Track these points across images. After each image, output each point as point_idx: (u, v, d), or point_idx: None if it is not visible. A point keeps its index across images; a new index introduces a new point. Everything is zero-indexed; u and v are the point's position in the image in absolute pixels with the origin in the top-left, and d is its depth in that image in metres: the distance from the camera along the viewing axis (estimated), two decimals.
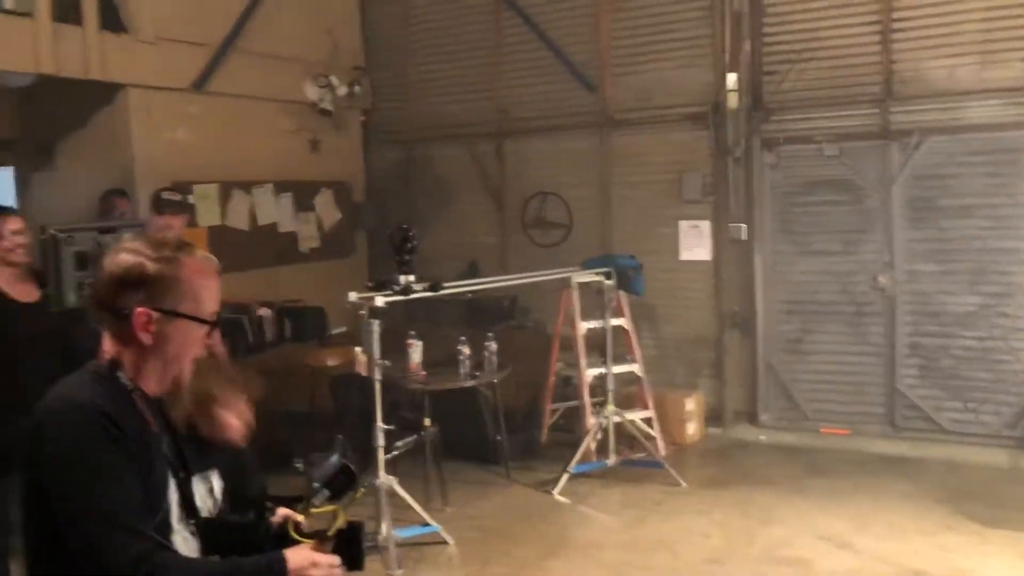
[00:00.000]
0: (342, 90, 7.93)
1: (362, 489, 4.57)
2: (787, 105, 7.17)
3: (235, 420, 2.80)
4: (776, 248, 7.29)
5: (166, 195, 5.50)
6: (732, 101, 7.20)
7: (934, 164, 6.71)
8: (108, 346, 1.89)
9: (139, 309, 1.83)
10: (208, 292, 1.91)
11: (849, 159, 6.98)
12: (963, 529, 5.17)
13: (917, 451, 6.56)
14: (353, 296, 4.99)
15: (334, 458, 2.17)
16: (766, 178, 7.29)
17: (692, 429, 7.12)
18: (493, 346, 6.08)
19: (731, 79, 7.18)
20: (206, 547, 1.99)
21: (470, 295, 6.91)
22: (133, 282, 1.84)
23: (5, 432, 3.55)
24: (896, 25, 6.74)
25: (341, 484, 2.12)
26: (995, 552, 4.82)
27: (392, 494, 5.00)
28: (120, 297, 1.84)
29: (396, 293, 4.99)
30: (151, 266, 1.84)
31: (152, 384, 1.90)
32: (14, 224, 3.98)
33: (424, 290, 5.13)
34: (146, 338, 1.84)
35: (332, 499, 2.10)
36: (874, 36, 6.83)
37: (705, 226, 7.46)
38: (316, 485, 2.12)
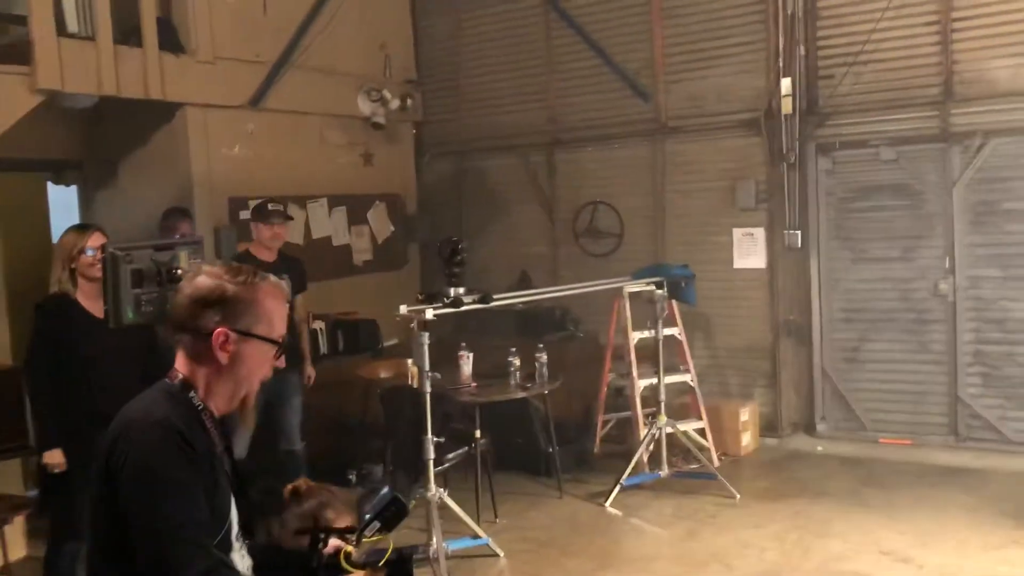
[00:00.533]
0: (394, 103, 8.02)
1: (413, 502, 4.63)
2: (842, 109, 7.04)
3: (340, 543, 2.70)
4: (832, 255, 7.15)
5: (271, 206, 5.76)
6: (786, 106, 7.09)
7: (997, 167, 6.52)
8: (180, 365, 1.99)
9: (219, 329, 1.93)
10: (279, 315, 2.02)
11: (907, 163, 6.82)
12: None
13: (981, 462, 6.36)
14: (403, 309, 5.04)
15: (385, 490, 2.19)
16: (821, 184, 7.16)
17: (747, 440, 7.01)
18: (544, 357, 6.07)
19: (785, 84, 7.07)
20: (259, 569, 2.05)
21: (521, 306, 6.92)
22: (213, 303, 1.94)
23: (84, 445, 3.67)
24: (956, 24, 6.58)
25: (391, 515, 2.14)
26: None
27: (442, 506, 5.02)
28: (200, 317, 1.94)
29: (446, 305, 5.02)
30: (231, 288, 1.95)
31: (221, 403, 2.00)
32: (96, 240, 4.10)
33: (474, 302, 5.15)
34: (223, 357, 1.94)
35: (382, 530, 2.13)
36: (933, 36, 6.67)
37: (759, 234, 7.36)
38: (368, 516, 2.15)
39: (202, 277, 1.98)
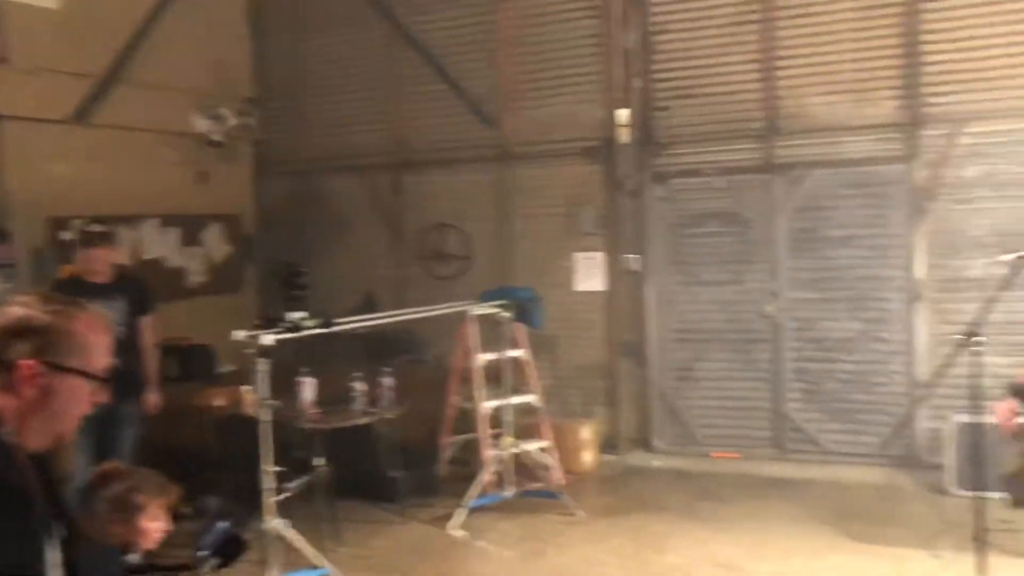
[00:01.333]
0: (232, 121, 7.79)
1: (252, 535, 4.45)
2: (677, 140, 7.39)
3: (153, 527, 2.60)
4: (667, 278, 7.47)
5: (93, 227, 5.44)
6: (623, 136, 7.37)
7: (815, 196, 7.00)
8: None
9: (25, 361, 1.78)
10: (98, 347, 1.87)
11: (736, 192, 7.22)
12: (847, 548, 5.34)
13: (803, 473, 6.78)
14: (240, 334, 4.87)
15: (222, 524, 2.09)
16: (657, 211, 7.47)
17: (587, 458, 7.19)
18: (388, 381, 6.01)
19: (622, 115, 7.36)
20: None
21: (366, 330, 6.82)
22: (21, 332, 1.80)
23: None
24: (778, 63, 7.04)
25: (229, 551, 2.04)
26: (875, 569, 5.00)
27: (282, 538, 4.86)
28: (8, 348, 1.79)
29: (286, 330, 4.89)
30: (42, 318, 1.81)
31: (36, 440, 1.84)
32: None
33: (315, 327, 5.05)
34: (30, 391, 1.79)
35: (222, 566, 2.02)
36: (757, 74, 7.11)
37: (600, 258, 7.59)
38: (205, 553, 2.04)
39: (13, 307, 1.83)
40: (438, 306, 6.42)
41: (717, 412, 7.33)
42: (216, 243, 8.04)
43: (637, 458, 7.41)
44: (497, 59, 7.87)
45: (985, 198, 6.50)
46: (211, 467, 5.97)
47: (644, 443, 7.52)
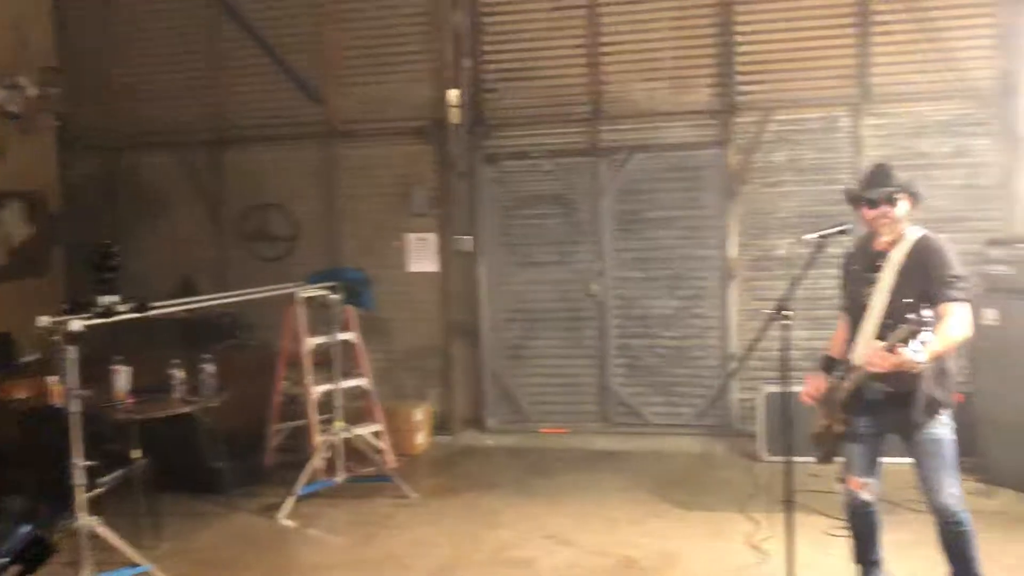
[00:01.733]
0: (32, 91, 7.18)
1: (60, 535, 4.16)
2: (507, 122, 7.45)
3: None
4: (499, 259, 7.54)
5: None
6: (454, 116, 7.35)
7: (638, 180, 7.25)
8: None
9: None
10: None
11: (563, 174, 7.38)
12: (669, 515, 5.61)
13: (627, 445, 7.06)
14: (44, 320, 4.51)
15: (25, 528, 1.91)
16: (489, 192, 7.52)
17: (421, 439, 7.18)
18: (209, 368, 5.74)
19: (452, 95, 7.33)
20: None
21: (185, 314, 6.49)
22: None
23: None
24: (602, 49, 7.22)
25: (34, 556, 1.86)
26: (694, 533, 5.28)
27: (96, 536, 4.57)
28: None
29: (96, 315, 4.57)
30: None
31: None
32: None
33: (129, 311, 4.75)
34: None
35: (25, 573, 1.85)
36: (582, 59, 7.27)
37: (432, 239, 7.57)
38: (5, 560, 1.86)
39: None
40: (263, 288, 6.20)
41: (547, 389, 7.50)
42: (16, 223, 7.41)
43: (470, 438, 7.48)
44: (324, 34, 7.66)
45: (790, 182, 6.95)
46: (14, 465, 5.53)
47: (477, 423, 7.59)
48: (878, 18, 6.69)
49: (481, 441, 7.41)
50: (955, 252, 3.79)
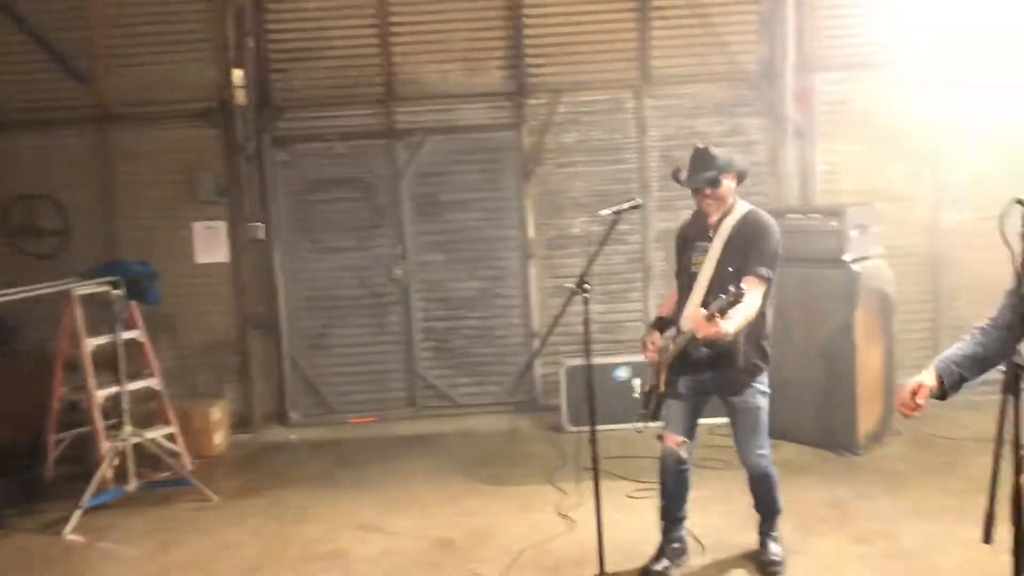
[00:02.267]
0: None
1: None
2: (297, 104, 7.21)
3: None
4: (294, 246, 7.30)
5: None
6: (239, 98, 7.02)
7: (435, 162, 7.24)
8: None
9: None
10: None
11: (359, 157, 7.24)
12: (480, 492, 5.66)
13: (437, 428, 7.06)
14: None
15: None
16: (280, 177, 7.25)
17: (219, 439, 6.84)
18: None
19: (237, 75, 7.00)
20: None
21: None
22: None
23: None
24: (393, 30, 7.13)
25: None
26: (506, 508, 5.36)
27: None
28: None
29: None
30: None
31: None
32: None
33: None
34: None
35: None
36: (374, 39, 7.14)
37: (221, 227, 7.21)
38: None
39: None
40: (32, 287, 5.66)
41: (352, 378, 7.36)
42: None
43: (273, 433, 7.21)
44: (90, 9, 7.07)
45: (581, 162, 7.18)
46: None
47: (280, 417, 7.34)
48: (656, 3, 7.02)
49: (284, 436, 7.17)
50: (777, 231, 4.06)
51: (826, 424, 5.93)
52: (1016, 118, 6.59)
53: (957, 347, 3.03)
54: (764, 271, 3.94)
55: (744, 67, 7.07)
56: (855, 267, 5.86)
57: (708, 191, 4.06)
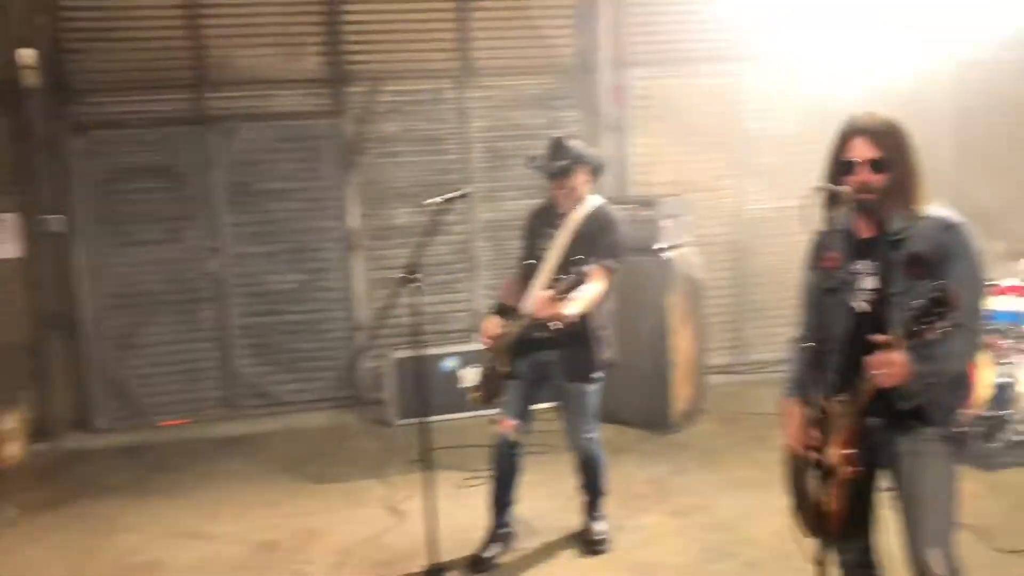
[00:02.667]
0: None
1: None
2: (97, 87, 6.72)
3: None
4: (98, 240, 6.80)
5: None
6: (30, 79, 6.45)
7: (251, 150, 6.95)
8: None
9: None
10: None
11: (169, 145, 6.84)
12: (305, 492, 5.49)
13: (257, 427, 6.79)
14: None
15: None
16: (80, 165, 6.73)
17: (15, 450, 6.27)
18: None
19: (27, 55, 6.43)
20: None
21: None
22: None
23: None
24: (203, 11, 6.77)
25: None
26: (333, 506, 5.23)
27: None
28: None
29: None
30: None
31: None
32: None
33: None
34: None
35: None
36: (181, 21, 6.76)
37: (11, 220, 6.61)
38: None
39: None
40: None
41: (164, 379, 6.94)
42: None
43: (77, 441, 6.69)
44: None
45: (405, 152, 7.11)
46: None
47: (84, 423, 6.82)
48: None
49: (90, 443, 6.66)
50: (625, 226, 4.22)
51: (645, 405, 6.18)
52: (817, 105, 7.05)
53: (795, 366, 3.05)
54: (610, 262, 4.07)
55: (562, 61, 7.24)
56: (668, 255, 6.13)
57: (560, 180, 4.12)
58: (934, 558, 2.70)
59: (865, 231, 2.80)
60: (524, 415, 4.31)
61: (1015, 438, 5.22)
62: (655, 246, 6.10)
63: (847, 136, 2.74)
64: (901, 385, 2.59)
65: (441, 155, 7.13)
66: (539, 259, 4.20)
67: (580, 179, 4.19)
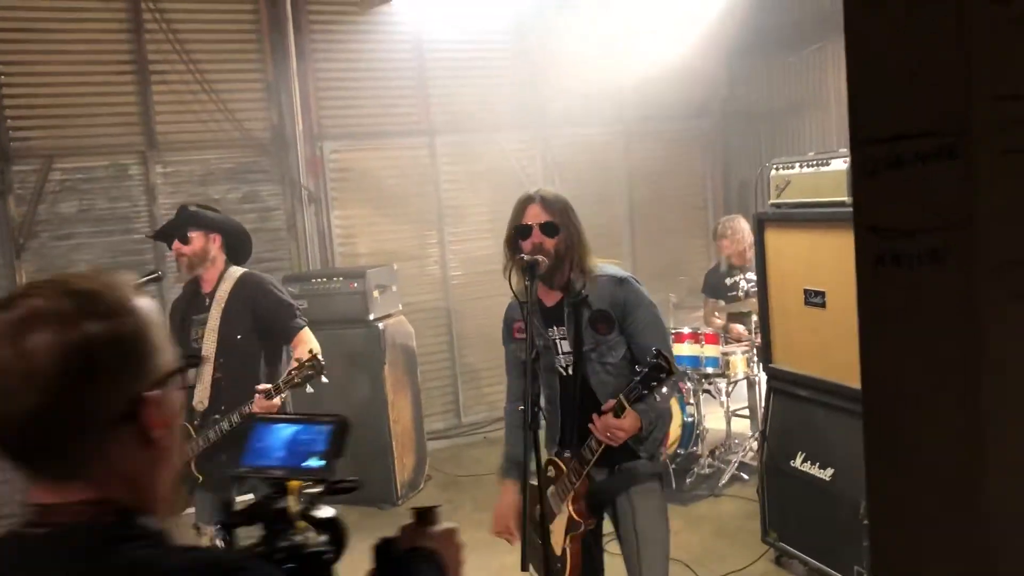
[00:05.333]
0: None
1: None
2: None
3: None
4: None
5: None
6: None
7: None
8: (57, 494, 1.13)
9: (147, 394, 1.17)
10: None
11: None
12: None
13: None
14: None
15: None
16: None
17: None
18: None
19: None
20: None
21: None
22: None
23: None
24: None
25: None
26: None
27: None
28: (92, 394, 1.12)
29: None
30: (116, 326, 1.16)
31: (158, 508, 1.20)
32: None
33: None
34: (163, 433, 1.20)
35: None
36: None
37: None
38: None
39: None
40: None
41: None
42: None
43: None
44: None
45: (84, 233, 6.52)
46: None
47: None
48: (154, 67, 6.69)
49: None
50: (277, 282, 4.05)
51: (365, 479, 6.05)
52: (505, 177, 7.46)
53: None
54: (301, 320, 3.92)
55: (255, 134, 7.06)
56: (380, 325, 6.13)
57: (176, 246, 3.89)
58: None
59: (549, 299, 3.01)
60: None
61: (704, 471, 5.78)
62: (366, 317, 6.07)
63: (524, 204, 3.01)
64: (630, 438, 2.79)
65: (128, 235, 6.63)
66: (196, 349, 3.84)
67: (201, 245, 3.88)
